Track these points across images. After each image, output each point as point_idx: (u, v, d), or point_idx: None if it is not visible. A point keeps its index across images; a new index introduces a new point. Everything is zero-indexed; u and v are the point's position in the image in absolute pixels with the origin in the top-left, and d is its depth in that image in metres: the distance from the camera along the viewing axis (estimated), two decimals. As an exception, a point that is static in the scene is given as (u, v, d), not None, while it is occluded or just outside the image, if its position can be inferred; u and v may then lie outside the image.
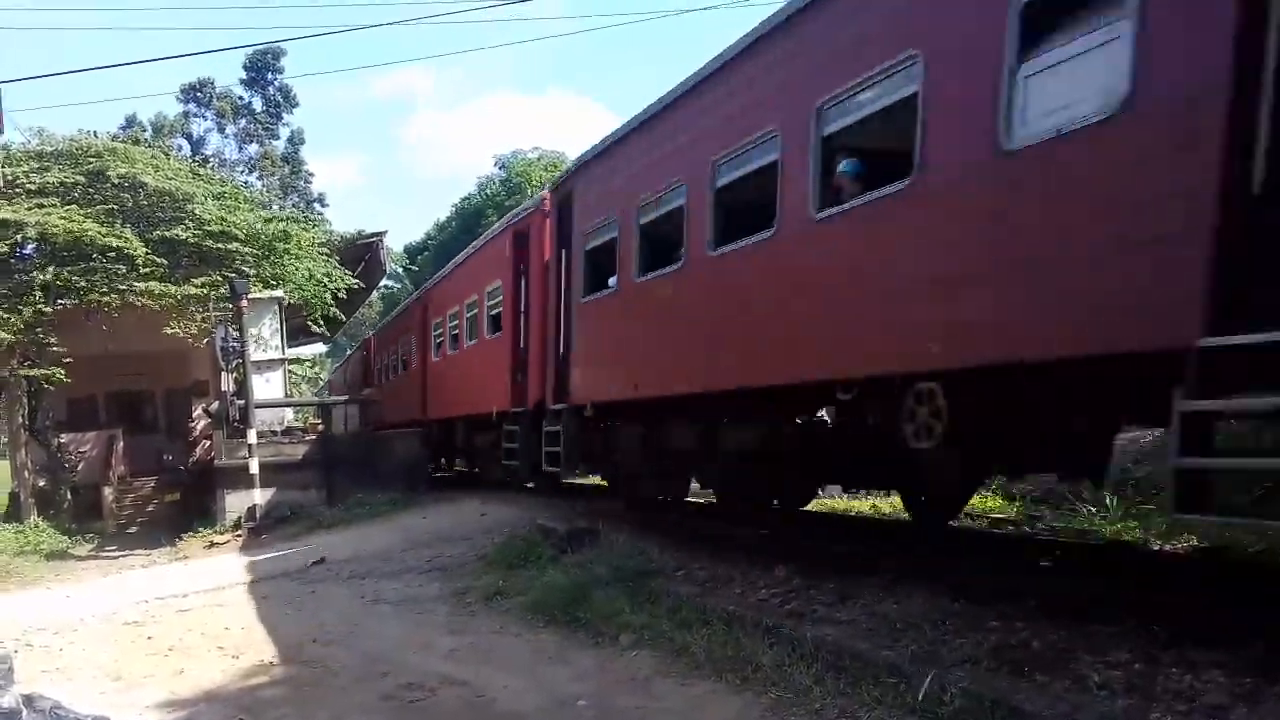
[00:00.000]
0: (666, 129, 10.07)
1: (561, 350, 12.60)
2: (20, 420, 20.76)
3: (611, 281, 11.41)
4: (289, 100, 56.25)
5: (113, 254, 18.60)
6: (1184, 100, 4.55)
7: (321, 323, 24.25)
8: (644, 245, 10.37)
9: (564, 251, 12.64)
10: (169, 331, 19.20)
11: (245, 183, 44.64)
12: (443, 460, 23.32)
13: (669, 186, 9.75)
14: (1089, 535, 9.33)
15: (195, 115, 54.86)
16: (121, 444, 24.24)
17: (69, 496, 21.50)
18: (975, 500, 11.27)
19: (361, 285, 26.98)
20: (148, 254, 18.70)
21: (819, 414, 9.51)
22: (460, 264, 19.25)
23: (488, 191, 49.12)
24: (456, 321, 18.77)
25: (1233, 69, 4.31)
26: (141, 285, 18.49)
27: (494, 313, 16.05)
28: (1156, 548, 8.40)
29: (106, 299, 18.31)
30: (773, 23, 7.90)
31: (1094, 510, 9.91)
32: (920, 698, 4.77)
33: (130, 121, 49.72)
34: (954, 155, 6.02)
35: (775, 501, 11.47)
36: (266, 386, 22.10)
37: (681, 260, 9.58)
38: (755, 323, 8.33)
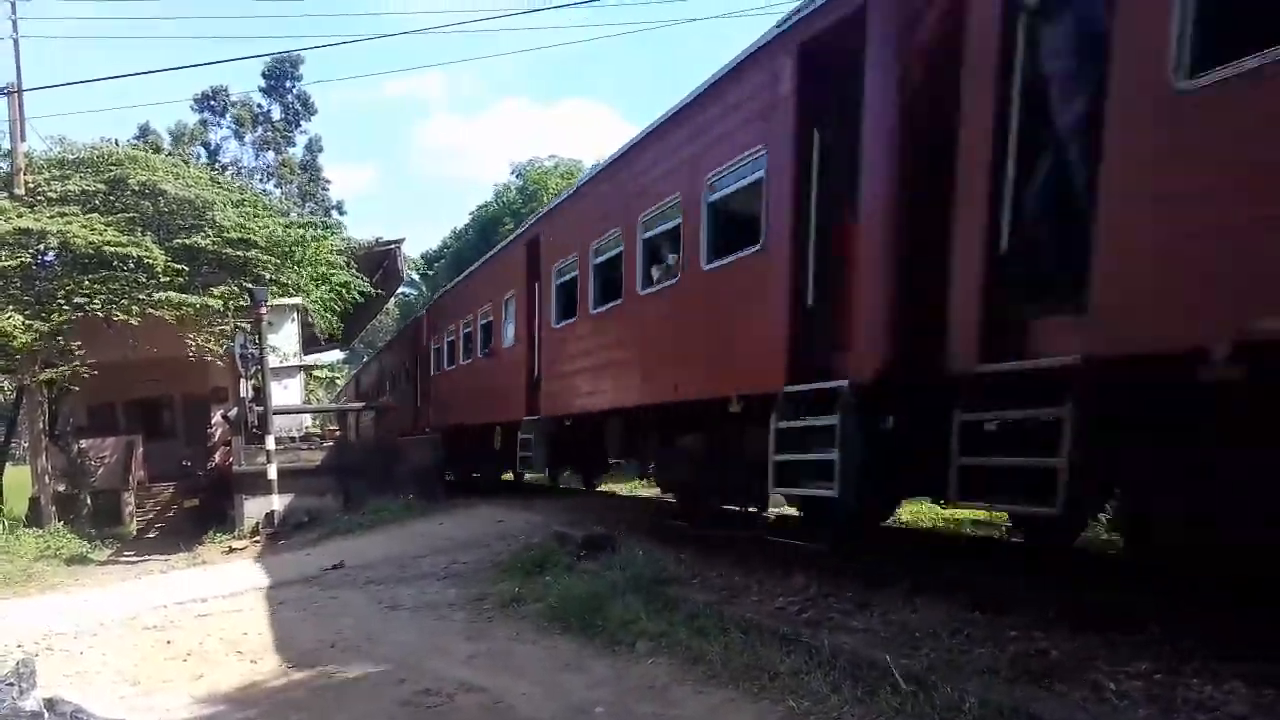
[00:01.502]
0: (607, 188, 12.29)
1: (537, 372, 14.75)
2: (41, 426, 20.95)
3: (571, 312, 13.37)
4: (307, 108, 56.48)
5: (133, 262, 18.74)
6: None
7: (339, 326, 24.61)
8: (597, 282, 12.36)
9: (535, 285, 14.82)
10: (191, 344, 19.33)
11: (264, 190, 44.85)
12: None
13: (611, 235, 11.82)
14: (1108, 545, 9.28)
15: (212, 124, 55.15)
16: (141, 450, 24.40)
17: (89, 502, 21.66)
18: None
19: (380, 293, 27.22)
20: (168, 262, 18.82)
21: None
22: (460, 285, 21.70)
23: (505, 199, 49.12)
24: (454, 339, 20.87)
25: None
26: (161, 295, 18.61)
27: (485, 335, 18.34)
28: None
29: (126, 311, 18.41)
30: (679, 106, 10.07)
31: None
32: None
33: (144, 130, 49.88)
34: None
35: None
36: (284, 393, 22.22)
37: (621, 298, 11.52)
38: (668, 351, 10.34)
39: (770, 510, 11.29)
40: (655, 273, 10.63)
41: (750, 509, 10.87)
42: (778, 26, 8.25)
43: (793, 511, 11.56)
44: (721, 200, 9.17)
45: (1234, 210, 4.60)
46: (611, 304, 11.81)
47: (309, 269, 22.23)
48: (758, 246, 8.45)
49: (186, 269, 19.37)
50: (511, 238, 17.63)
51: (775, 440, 7.74)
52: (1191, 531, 5.89)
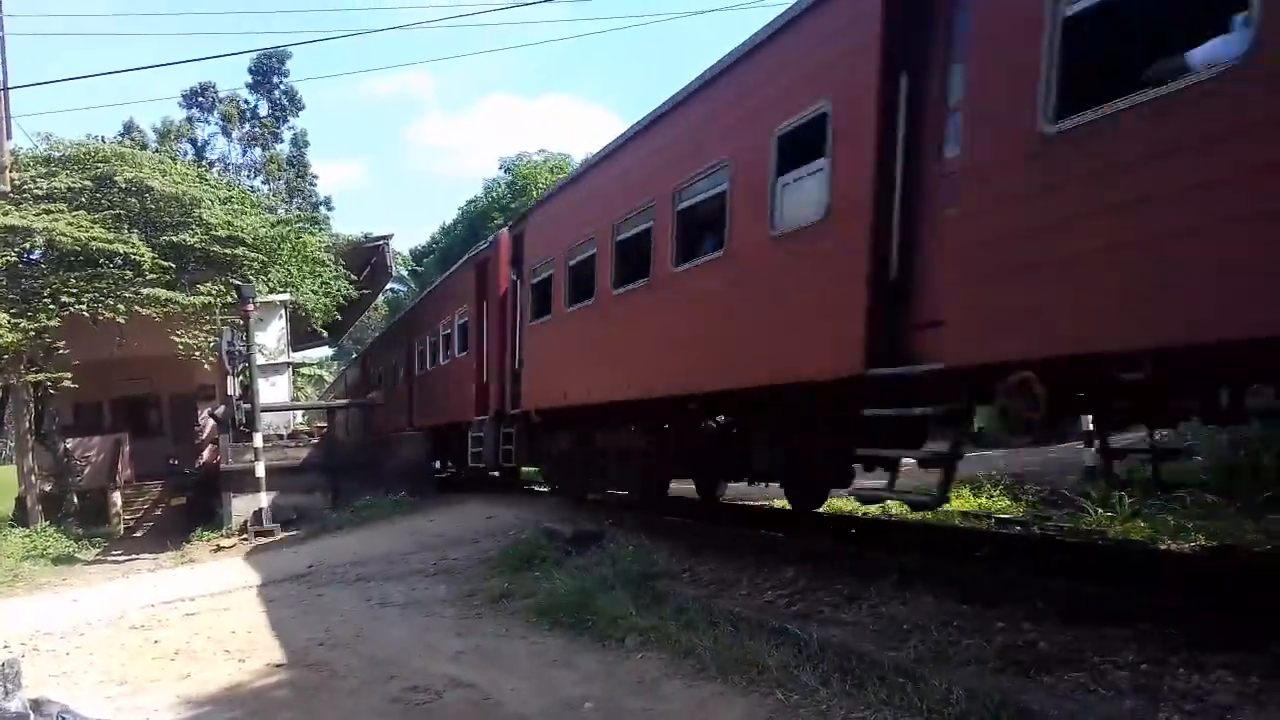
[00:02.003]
0: (430, 303, 22.48)
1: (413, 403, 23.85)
2: (27, 425, 20.81)
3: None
4: (294, 103, 56.17)
5: (119, 260, 18.65)
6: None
7: (324, 332, 24.63)
8: (431, 351, 21.65)
9: (413, 344, 24.06)
10: (179, 343, 19.27)
11: (251, 187, 44.62)
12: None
13: (435, 327, 21.03)
14: (1096, 535, 9.32)
15: (199, 120, 54.82)
16: (128, 448, 24.27)
17: (75, 501, 21.55)
18: (982, 500, 11.81)
19: (366, 290, 27.15)
20: (155, 259, 18.74)
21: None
22: (383, 336, 34.29)
23: (493, 194, 49.11)
24: (379, 373, 31.18)
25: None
26: (148, 292, 18.53)
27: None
28: (1164, 548, 8.39)
29: (113, 310, 18.32)
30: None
31: (1102, 510, 9.91)
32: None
33: (128, 127, 49.52)
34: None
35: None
36: (272, 390, 22.13)
37: (441, 363, 20.85)
38: (450, 395, 19.54)
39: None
40: (445, 353, 20.10)
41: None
42: (469, 255, 19.46)
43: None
44: (458, 326, 18.86)
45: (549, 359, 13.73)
46: (435, 365, 21.20)
47: (296, 265, 22.17)
48: (466, 351, 18.10)
49: (173, 266, 19.29)
50: (400, 314, 31.50)
51: (470, 441, 17.07)
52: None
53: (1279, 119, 4.16)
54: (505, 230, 16.85)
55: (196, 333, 19.49)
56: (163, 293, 18.68)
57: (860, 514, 11.69)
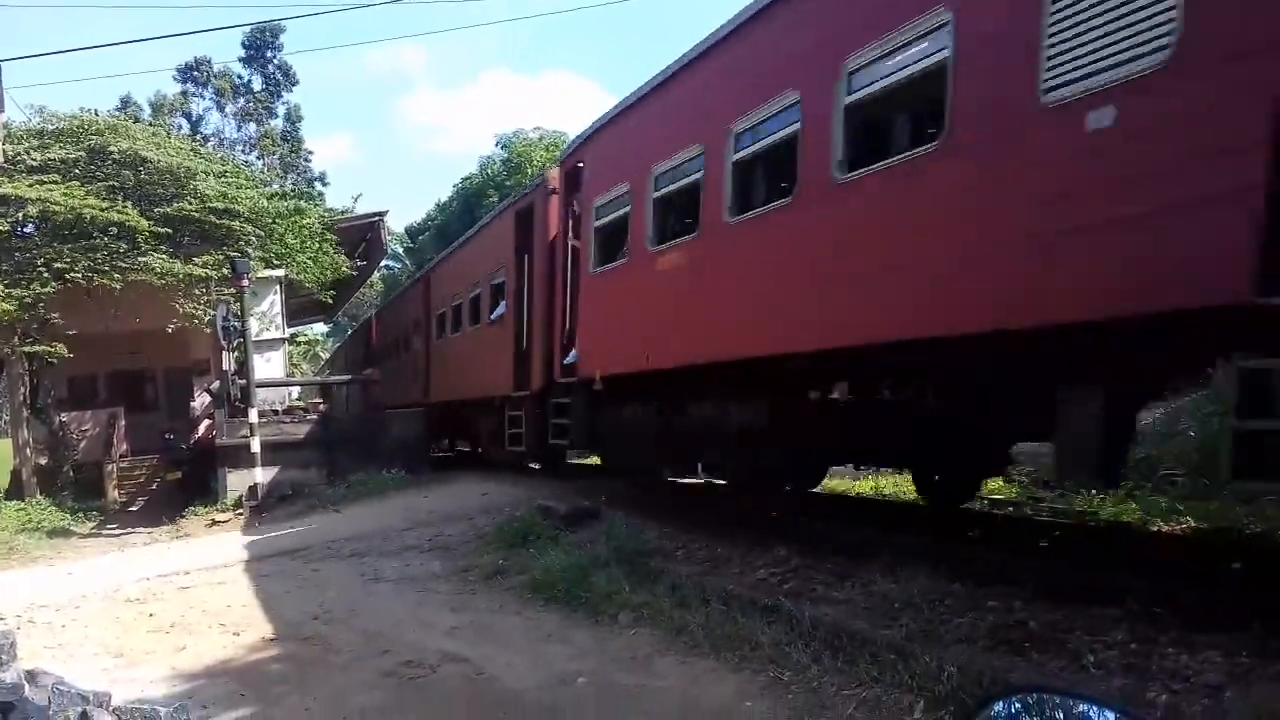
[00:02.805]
0: (451, 266, 21.46)
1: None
2: (22, 398, 20.79)
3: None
4: (288, 78, 55.58)
5: (114, 230, 18.56)
6: None
7: (328, 299, 24.66)
8: (444, 321, 21.34)
9: (429, 315, 23.14)
10: (178, 311, 19.25)
11: (246, 162, 44.33)
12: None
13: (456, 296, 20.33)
14: (1088, 517, 9.35)
15: (193, 95, 54.27)
16: (123, 422, 24.22)
17: (71, 474, 21.54)
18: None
19: (362, 261, 27.08)
20: (150, 227, 18.66)
21: None
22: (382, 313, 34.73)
23: (489, 171, 48.82)
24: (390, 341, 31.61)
25: None
26: (144, 260, 18.46)
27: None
28: (1155, 529, 8.42)
29: (109, 278, 18.26)
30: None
31: (1094, 492, 9.92)
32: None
33: (125, 102, 49.04)
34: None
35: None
36: (267, 366, 22.11)
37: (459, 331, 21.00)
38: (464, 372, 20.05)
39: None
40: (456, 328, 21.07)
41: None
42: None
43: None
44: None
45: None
46: (454, 334, 20.26)
47: (294, 236, 22.13)
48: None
49: (169, 233, 19.20)
50: (410, 282, 30.16)
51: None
52: None
53: None
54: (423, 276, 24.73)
55: (195, 305, 19.46)
56: (158, 261, 18.60)
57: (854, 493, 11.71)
